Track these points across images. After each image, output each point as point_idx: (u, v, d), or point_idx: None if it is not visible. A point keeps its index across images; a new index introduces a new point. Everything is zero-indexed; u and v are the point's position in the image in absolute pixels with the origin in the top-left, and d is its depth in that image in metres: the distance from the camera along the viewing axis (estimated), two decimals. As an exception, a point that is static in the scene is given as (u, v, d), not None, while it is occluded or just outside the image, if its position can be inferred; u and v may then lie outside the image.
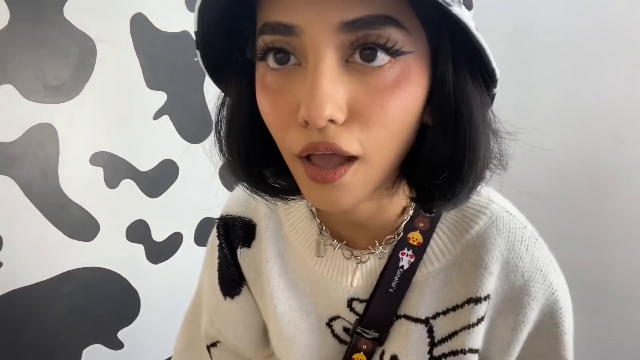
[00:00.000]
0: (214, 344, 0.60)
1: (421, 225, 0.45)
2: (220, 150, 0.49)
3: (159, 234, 1.58)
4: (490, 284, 0.44)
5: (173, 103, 1.60)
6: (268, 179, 0.45)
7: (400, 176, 0.42)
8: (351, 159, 0.35)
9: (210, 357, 0.60)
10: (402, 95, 0.34)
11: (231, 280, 0.54)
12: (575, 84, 1.49)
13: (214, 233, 0.58)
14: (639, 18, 1.37)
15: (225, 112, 0.46)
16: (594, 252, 1.44)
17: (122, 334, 1.50)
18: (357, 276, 0.47)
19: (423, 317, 0.45)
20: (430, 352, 0.45)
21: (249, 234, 0.52)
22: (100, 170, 1.43)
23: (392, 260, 0.45)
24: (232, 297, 0.54)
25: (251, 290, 0.54)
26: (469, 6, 0.39)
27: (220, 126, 0.46)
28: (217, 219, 0.58)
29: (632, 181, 1.37)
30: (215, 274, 0.56)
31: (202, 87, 1.68)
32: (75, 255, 1.39)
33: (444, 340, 0.44)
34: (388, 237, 0.46)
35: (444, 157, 0.37)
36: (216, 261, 0.56)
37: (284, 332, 0.50)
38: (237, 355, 0.59)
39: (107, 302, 1.47)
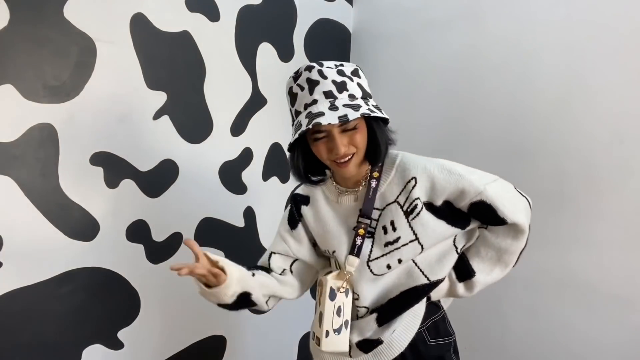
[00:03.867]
0: (274, 253, 1.15)
1: (376, 170, 1.03)
2: (294, 173, 1.06)
3: (159, 234, 1.58)
4: (410, 175, 1.00)
5: (173, 103, 1.60)
6: (311, 179, 1.08)
7: (364, 159, 1.02)
8: (352, 156, 0.97)
9: (269, 260, 1.15)
10: (360, 135, 0.96)
11: (294, 220, 1.13)
12: (575, 83, 1.49)
13: (288, 200, 1.17)
14: (639, 18, 1.37)
15: (294, 158, 1.03)
16: (594, 252, 1.44)
17: (122, 334, 1.50)
18: (357, 196, 1.05)
19: (393, 200, 1.00)
20: (402, 209, 0.99)
21: (307, 200, 1.12)
22: (100, 170, 1.43)
23: (368, 185, 1.02)
24: (293, 228, 1.13)
25: (308, 223, 1.11)
26: (358, 75, 1.00)
27: (293, 163, 1.05)
28: (292, 195, 1.16)
29: (631, 181, 1.37)
30: (287, 219, 1.14)
31: (202, 87, 1.68)
32: (75, 255, 1.39)
33: (405, 202, 0.99)
34: (364, 178, 1.05)
35: (376, 146, 0.99)
36: (287, 213, 1.15)
37: (334, 234, 1.05)
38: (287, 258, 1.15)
39: (107, 302, 1.47)
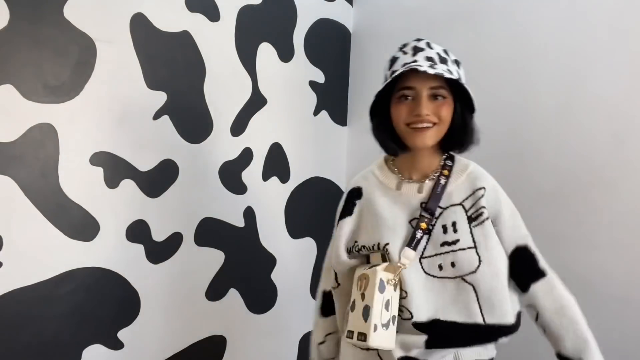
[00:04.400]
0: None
1: (447, 168, 1.01)
2: (376, 137, 1.03)
3: (159, 234, 1.58)
4: (481, 184, 1.00)
5: (173, 103, 1.60)
6: (392, 148, 1.02)
7: (439, 146, 1.01)
8: (432, 126, 0.95)
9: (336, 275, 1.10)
10: (445, 109, 0.95)
11: (347, 210, 1.07)
12: (575, 84, 1.49)
13: (345, 193, 1.13)
14: (638, 18, 1.37)
15: (375, 125, 1.03)
16: (594, 252, 1.44)
17: (122, 334, 1.50)
18: (423, 188, 1.00)
19: (458, 202, 0.98)
20: (466, 213, 0.97)
21: (359, 193, 1.07)
22: (100, 170, 1.43)
23: (437, 180, 0.99)
24: (344, 218, 1.07)
25: (363, 213, 1.05)
26: (459, 67, 0.99)
27: (378, 133, 1.03)
28: (350, 188, 1.11)
29: (631, 181, 1.37)
30: (340, 210, 1.10)
31: (202, 87, 1.68)
32: (75, 255, 1.39)
33: (471, 207, 0.97)
34: (433, 172, 1.02)
35: (460, 132, 0.99)
36: (342, 204, 1.11)
37: (390, 226, 0.99)
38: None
39: (107, 302, 1.47)
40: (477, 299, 0.94)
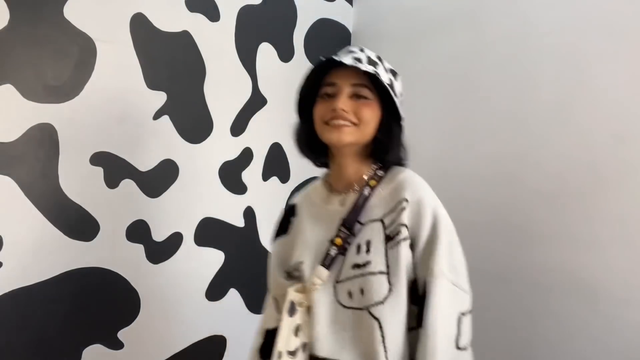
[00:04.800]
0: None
1: (375, 178, 0.92)
2: (296, 142, 0.99)
3: (159, 234, 1.58)
4: (404, 195, 0.87)
5: (173, 103, 1.60)
6: (309, 152, 0.98)
7: (369, 156, 0.94)
8: (350, 125, 0.87)
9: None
10: (367, 110, 0.89)
11: (282, 228, 1.03)
12: (575, 84, 1.49)
13: (281, 210, 1.09)
14: (638, 18, 1.37)
15: (298, 129, 0.99)
16: (594, 252, 1.44)
17: (122, 334, 1.50)
18: (345, 200, 0.92)
19: (378, 217, 0.87)
20: (385, 230, 0.85)
21: (294, 211, 1.02)
22: (100, 170, 1.43)
23: (361, 192, 0.90)
24: (280, 237, 1.03)
25: (295, 231, 0.98)
26: (395, 77, 0.95)
27: (298, 135, 0.99)
28: (287, 206, 1.08)
29: (632, 181, 1.37)
30: (276, 228, 1.06)
31: (202, 87, 1.68)
32: (75, 255, 1.39)
33: (390, 225, 0.85)
34: (359, 182, 0.93)
35: (384, 143, 0.91)
36: (278, 222, 1.06)
37: (308, 244, 0.92)
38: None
39: (107, 302, 1.47)
40: (383, 340, 0.79)
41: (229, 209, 1.79)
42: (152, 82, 1.54)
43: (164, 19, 1.57)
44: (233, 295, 1.79)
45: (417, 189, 0.87)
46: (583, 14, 1.48)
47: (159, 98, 1.57)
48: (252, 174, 1.85)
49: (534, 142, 1.57)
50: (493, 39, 1.70)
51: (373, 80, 0.88)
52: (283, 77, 1.93)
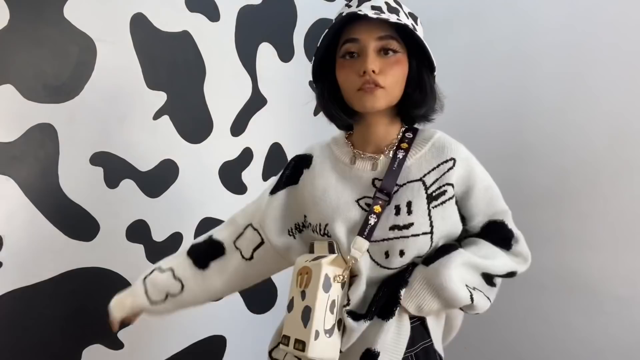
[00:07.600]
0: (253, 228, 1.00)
1: (406, 141, 0.88)
2: (321, 107, 0.92)
3: (159, 234, 1.58)
4: (450, 155, 0.86)
5: (173, 103, 1.60)
6: (339, 118, 0.90)
7: (397, 115, 0.90)
8: (380, 87, 0.81)
9: (242, 233, 1.01)
10: (398, 67, 0.83)
11: (293, 178, 0.96)
12: (575, 84, 1.49)
13: (292, 158, 1.00)
14: (638, 18, 1.37)
15: (320, 92, 0.91)
16: (594, 252, 1.44)
17: (122, 334, 1.50)
18: (377, 164, 0.87)
19: (417, 178, 0.84)
20: (426, 190, 0.83)
21: (309, 162, 0.95)
22: (100, 170, 1.43)
23: (394, 155, 0.86)
24: (289, 186, 0.96)
25: (306, 185, 0.93)
26: (416, 22, 0.87)
27: (324, 101, 0.91)
28: (300, 154, 1.00)
29: (631, 181, 1.37)
30: (286, 174, 0.98)
31: (202, 87, 1.68)
32: (75, 255, 1.39)
33: (433, 183, 0.83)
34: (390, 145, 0.89)
35: (417, 98, 0.86)
36: (289, 170, 0.98)
37: (332, 204, 0.86)
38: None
39: (107, 302, 1.46)
40: None
41: (229, 209, 1.77)
42: (152, 82, 1.54)
43: (164, 19, 1.57)
44: (233, 295, 1.79)
45: (458, 147, 0.87)
46: (583, 14, 1.48)
47: (159, 98, 1.57)
48: (252, 174, 1.85)
49: (533, 142, 1.57)
50: (493, 38, 1.70)
51: (398, 29, 0.82)
52: (283, 77, 1.93)
